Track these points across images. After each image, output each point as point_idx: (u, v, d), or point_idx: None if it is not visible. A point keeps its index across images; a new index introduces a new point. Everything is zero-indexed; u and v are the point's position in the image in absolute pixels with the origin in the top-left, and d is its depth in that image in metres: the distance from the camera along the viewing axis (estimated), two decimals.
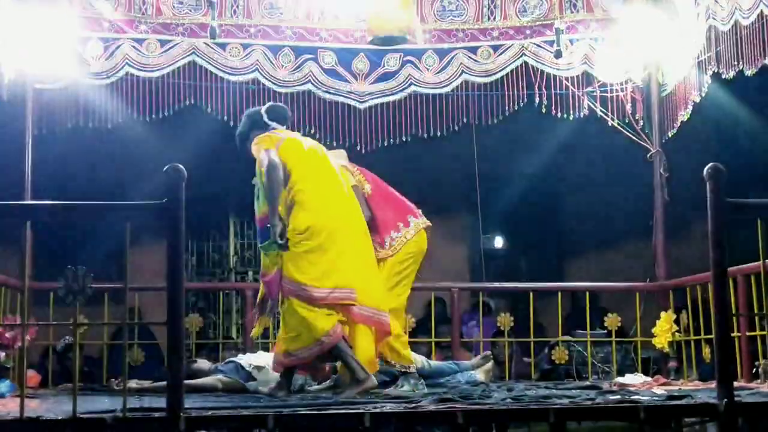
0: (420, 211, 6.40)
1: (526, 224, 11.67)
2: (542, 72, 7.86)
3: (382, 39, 7.21)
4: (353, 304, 5.60)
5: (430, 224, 6.36)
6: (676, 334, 7.31)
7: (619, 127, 7.90)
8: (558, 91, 7.89)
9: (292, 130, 7.73)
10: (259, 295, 5.97)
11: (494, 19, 7.95)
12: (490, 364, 7.00)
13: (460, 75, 7.91)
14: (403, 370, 6.02)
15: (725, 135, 10.66)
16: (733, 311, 5.93)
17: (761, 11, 6.12)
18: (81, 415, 3.89)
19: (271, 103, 6.28)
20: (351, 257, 5.66)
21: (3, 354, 6.09)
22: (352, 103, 7.87)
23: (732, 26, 6.51)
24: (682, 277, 7.51)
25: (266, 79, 7.72)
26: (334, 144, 7.82)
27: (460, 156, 8.60)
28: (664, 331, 7.33)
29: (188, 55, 7.62)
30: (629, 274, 8.57)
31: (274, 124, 6.00)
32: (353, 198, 5.92)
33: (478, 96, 7.95)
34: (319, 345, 5.55)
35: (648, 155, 7.88)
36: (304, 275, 5.54)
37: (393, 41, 7.24)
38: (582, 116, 7.94)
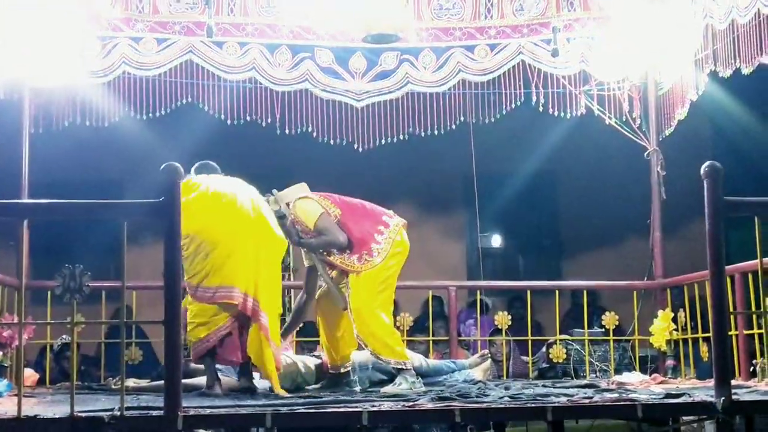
0: (392, 211, 6.41)
1: (523, 222, 11.67)
2: (539, 70, 7.85)
3: (374, 37, 7.21)
4: (235, 303, 5.70)
5: (406, 222, 6.37)
6: (674, 332, 7.31)
7: (616, 126, 7.90)
8: (555, 90, 7.88)
9: (290, 129, 7.78)
10: None
11: (491, 17, 7.94)
12: (487, 363, 7.01)
13: (458, 73, 7.90)
14: (399, 367, 6.02)
15: (722, 133, 10.67)
16: (731, 309, 5.93)
17: (758, 9, 6.12)
18: (79, 414, 3.89)
19: (201, 162, 6.27)
20: (237, 261, 5.74)
21: (0, 353, 6.08)
22: (350, 101, 7.86)
23: (729, 24, 6.50)
24: (680, 275, 7.52)
25: (263, 77, 7.71)
26: (332, 142, 7.82)
27: (458, 154, 8.59)
28: (661, 329, 7.34)
29: (185, 54, 7.60)
30: (627, 273, 8.57)
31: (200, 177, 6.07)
32: (255, 220, 5.89)
33: (475, 94, 7.94)
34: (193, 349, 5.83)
35: (645, 153, 7.88)
36: (194, 278, 5.72)
37: (386, 39, 7.24)
38: (579, 115, 7.94)
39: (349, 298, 6.08)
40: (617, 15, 7.68)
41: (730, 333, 5.08)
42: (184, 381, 5.17)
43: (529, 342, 7.77)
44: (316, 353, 6.66)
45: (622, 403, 4.55)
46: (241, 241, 5.76)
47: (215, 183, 5.93)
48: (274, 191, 6.26)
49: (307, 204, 6.22)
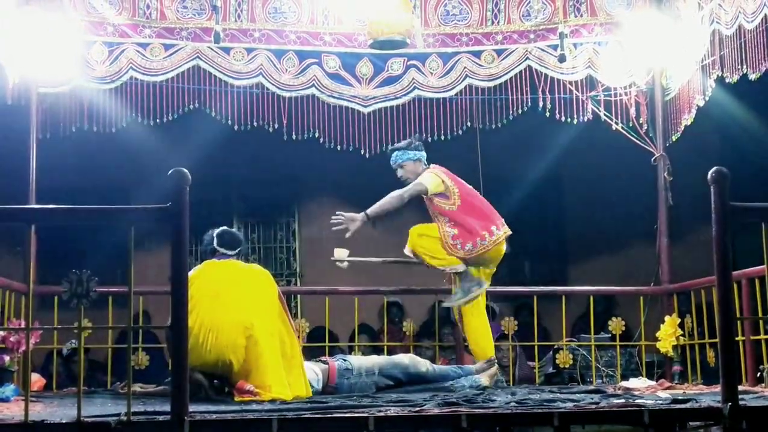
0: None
1: (530, 228, 11.63)
2: (546, 76, 7.86)
3: (381, 42, 7.22)
4: None
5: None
6: (681, 338, 7.31)
7: (622, 131, 7.90)
8: (562, 95, 7.88)
9: (297, 135, 7.80)
10: None
11: (498, 23, 7.95)
12: (494, 369, 7.00)
13: (464, 79, 7.91)
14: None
15: (729, 139, 10.65)
16: (738, 315, 5.92)
17: (765, 15, 6.12)
18: (85, 419, 3.89)
19: (224, 228, 6.33)
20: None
21: (7, 358, 6.10)
22: (356, 107, 7.87)
23: (736, 30, 6.51)
24: (687, 281, 7.51)
25: (270, 83, 7.73)
26: (339, 148, 7.84)
27: (464, 160, 8.58)
28: (668, 335, 7.34)
29: (192, 60, 7.62)
30: (633, 278, 8.56)
31: (222, 250, 6.19)
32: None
33: (482, 100, 7.95)
34: None
35: (652, 159, 7.88)
36: None
37: (393, 45, 7.25)
38: (586, 120, 7.94)
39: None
40: (624, 20, 7.69)
41: (736, 338, 5.08)
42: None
43: (536, 347, 7.77)
44: (323, 359, 6.66)
45: (628, 408, 4.54)
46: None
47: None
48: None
49: (426, 176, 7.00)
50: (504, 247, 7.03)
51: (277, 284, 6.23)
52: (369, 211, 6.82)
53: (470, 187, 7.14)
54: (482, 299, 7.00)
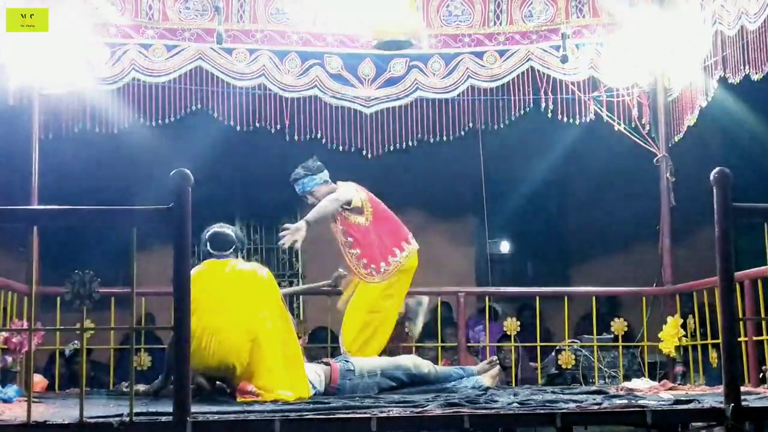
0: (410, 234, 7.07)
1: (532, 229, 11.66)
2: (548, 77, 7.86)
3: (386, 43, 7.22)
4: None
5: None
6: (683, 338, 7.30)
7: (625, 132, 7.89)
8: (564, 96, 7.88)
9: (299, 136, 7.80)
10: None
11: (500, 23, 7.95)
12: (496, 369, 7.00)
13: (467, 80, 7.91)
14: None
15: (732, 139, 10.65)
16: (740, 316, 5.92)
17: None
18: (87, 420, 3.90)
19: (215, 230, 6.27)
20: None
21: (10, 359, 6.10)
22: (359, 107, 7.87)
23: (738, 31, 6.50)
24: (689, 281, 7.50)
25: (272, 84, 7.73)
26: (341, 149, 7.83)
27: (466, 161, 8.59)
28: (670, 335, 7.33)
29: (195, 60, 7.62)
30: (636, 279, 8.56)
31: (215, 253, 6.18)
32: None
33: (484, 101, 7.95)
34: None
35: (654, 160, 7.88)
36: None
37: (397, 45, 7.25)
38: (588, 121, 7.94)
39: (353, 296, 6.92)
40: (626, 21, 7.69)
41: (739, 339, 5.07)
42: None
43: (538, 348, 7.76)
44: (325, 360, 6.67)
45: (631, 409, 4.54)
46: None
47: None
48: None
49: (346, 186, 6.96)
50: (416, 261, 7.03)
51: (278, 285, 6.23)
52: (308, 217, 6.73)
53: (380, 202, 7.09)
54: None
